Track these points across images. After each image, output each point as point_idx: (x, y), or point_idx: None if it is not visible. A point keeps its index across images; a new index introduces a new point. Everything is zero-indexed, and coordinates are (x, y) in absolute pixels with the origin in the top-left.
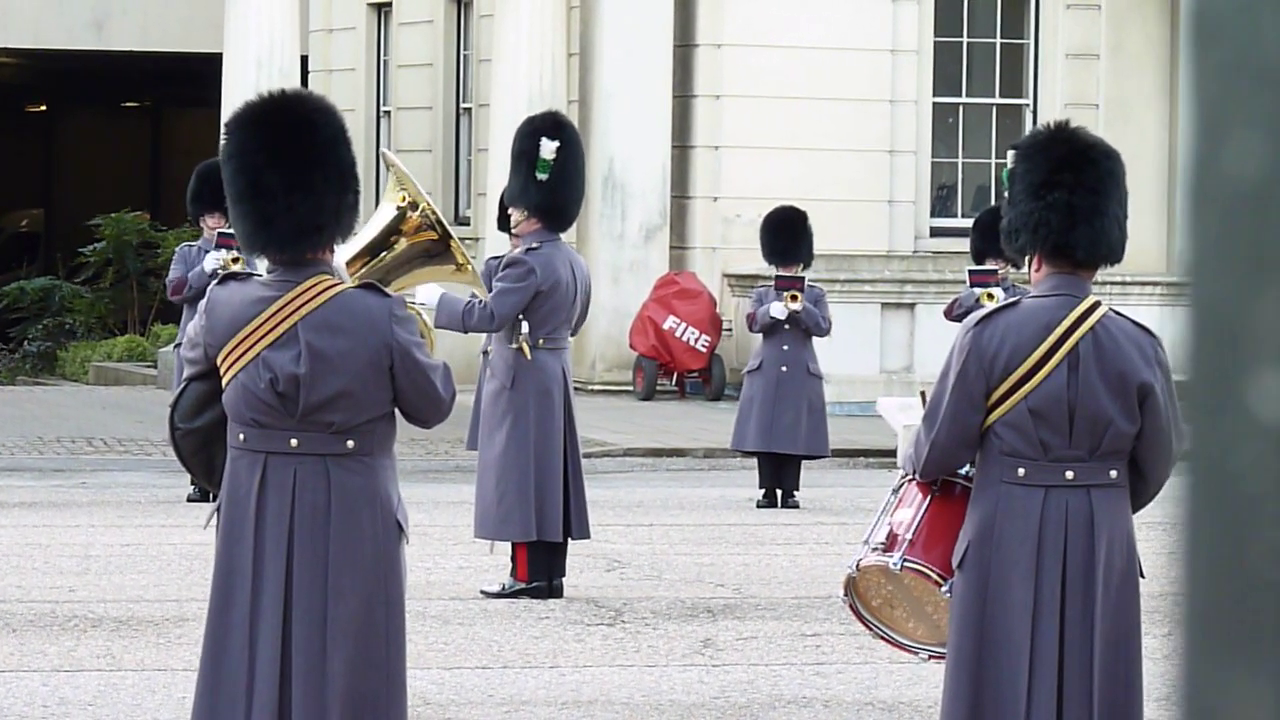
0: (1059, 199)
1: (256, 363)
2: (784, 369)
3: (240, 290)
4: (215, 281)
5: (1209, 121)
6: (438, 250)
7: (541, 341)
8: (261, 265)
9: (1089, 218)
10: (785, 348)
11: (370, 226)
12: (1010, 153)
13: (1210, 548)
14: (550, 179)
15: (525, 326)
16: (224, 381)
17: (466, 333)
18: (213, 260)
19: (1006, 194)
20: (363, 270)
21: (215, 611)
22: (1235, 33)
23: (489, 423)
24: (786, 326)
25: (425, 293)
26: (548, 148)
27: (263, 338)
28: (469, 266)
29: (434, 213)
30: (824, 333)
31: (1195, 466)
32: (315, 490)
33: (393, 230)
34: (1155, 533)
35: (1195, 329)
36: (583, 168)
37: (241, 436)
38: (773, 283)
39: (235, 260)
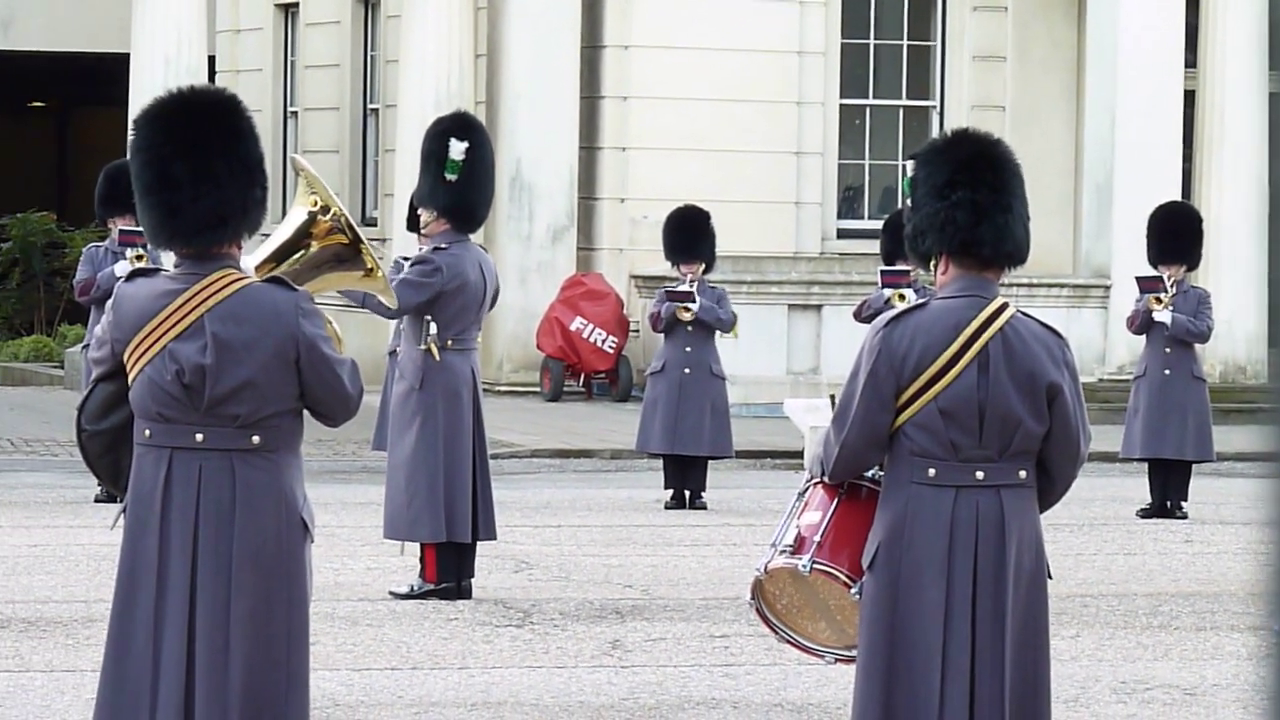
0: (963, 197)
1: (163, 355)
2: (687, 371)
3: (147, 285)
4: (123, 278)
5: None
6: (348, 255)
7: (450, 342)
8: (168, 261)
9: (992, 215)
10: (688, 349)
11: (280, 230)
12: (909, 162)
13: None
14: (459, 180)
15: (433, 328)
16: (131, 377)
17: (364, 307)
18: (123, 267)
19: (909, 201)
20: (272, 272)
21: (119, 608)
22: None
23: (398, 424)
24: (689, 328)
25: None
26: (456, 149)
27: (169, 330)
28: (379, 272)
29: (345, 216)
30: (727, 327)
31: None
32: (220, 486)
33: (303, 233)
34: (1062, 534)
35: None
36: (492, 169)
37: (147, 432)
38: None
39: (140, 258)
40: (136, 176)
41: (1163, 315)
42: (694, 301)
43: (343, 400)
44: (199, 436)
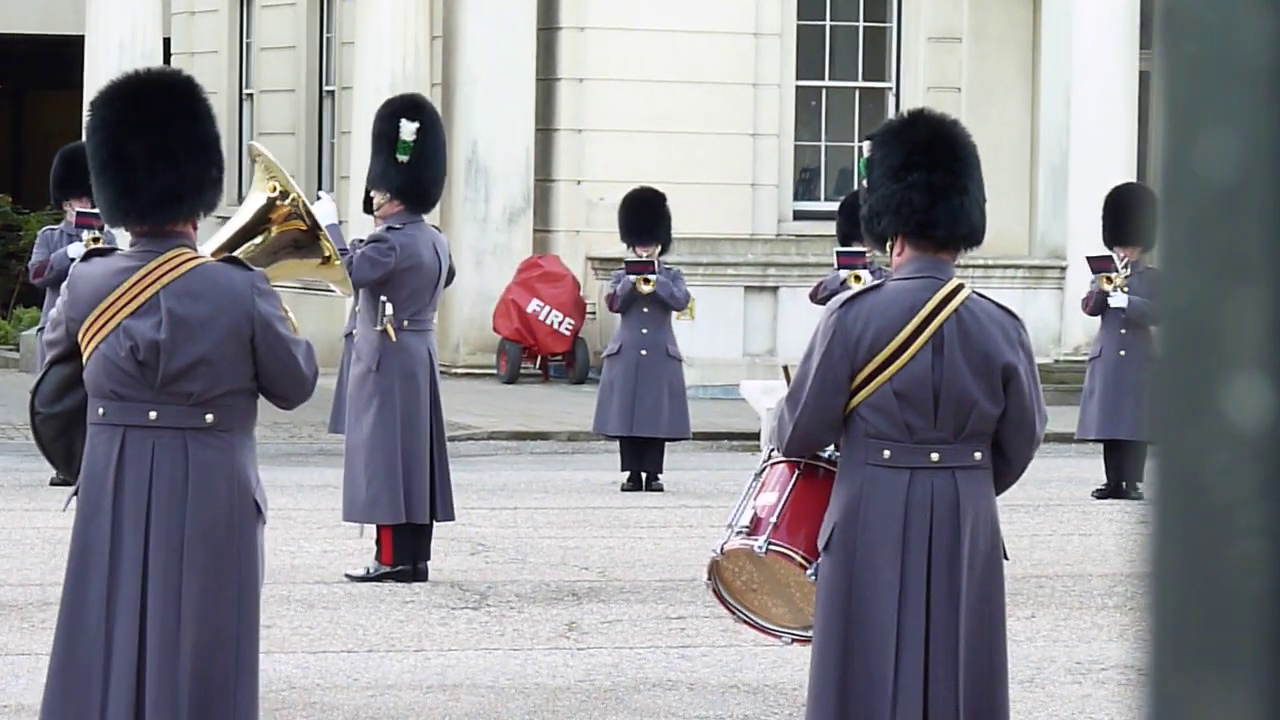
0: (919, 179)
1: (117, 332)
2: (643, 352)
3: (102, 264)
4: (79, 258)
5: (1179, 119)
6: (305, 241)
7: (406, 323)
8: (123, 242)
9: (948, 196)
10: (644, 331)
11: (239, 215)
12: (866, 143)
13: (1181, 559)
14: (410, 160)
15: (389, 308)
16: (85, 356)
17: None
18: (77, 249)
19: (865, 183)
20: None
21: (71, 587)
22: (1208, 26)
23: (355, 406)
24: (645, 309)
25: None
26: (407, 129)
27: (124, 307)
28: (336, 260)
29: (304, 203)
30: (680, 305)
31: (1165, 475)
32: (173, 465)
33: (261, 218)
34: (1018, 515)
35: (1167, 333)
36: (443, 149)
37: (101, 411)
38: (623, 268)
39: (96, 240)
40: (92, 155)
41: (1119, 300)
42: (654, 271)
43: (298, 381)
44: (152, 414)
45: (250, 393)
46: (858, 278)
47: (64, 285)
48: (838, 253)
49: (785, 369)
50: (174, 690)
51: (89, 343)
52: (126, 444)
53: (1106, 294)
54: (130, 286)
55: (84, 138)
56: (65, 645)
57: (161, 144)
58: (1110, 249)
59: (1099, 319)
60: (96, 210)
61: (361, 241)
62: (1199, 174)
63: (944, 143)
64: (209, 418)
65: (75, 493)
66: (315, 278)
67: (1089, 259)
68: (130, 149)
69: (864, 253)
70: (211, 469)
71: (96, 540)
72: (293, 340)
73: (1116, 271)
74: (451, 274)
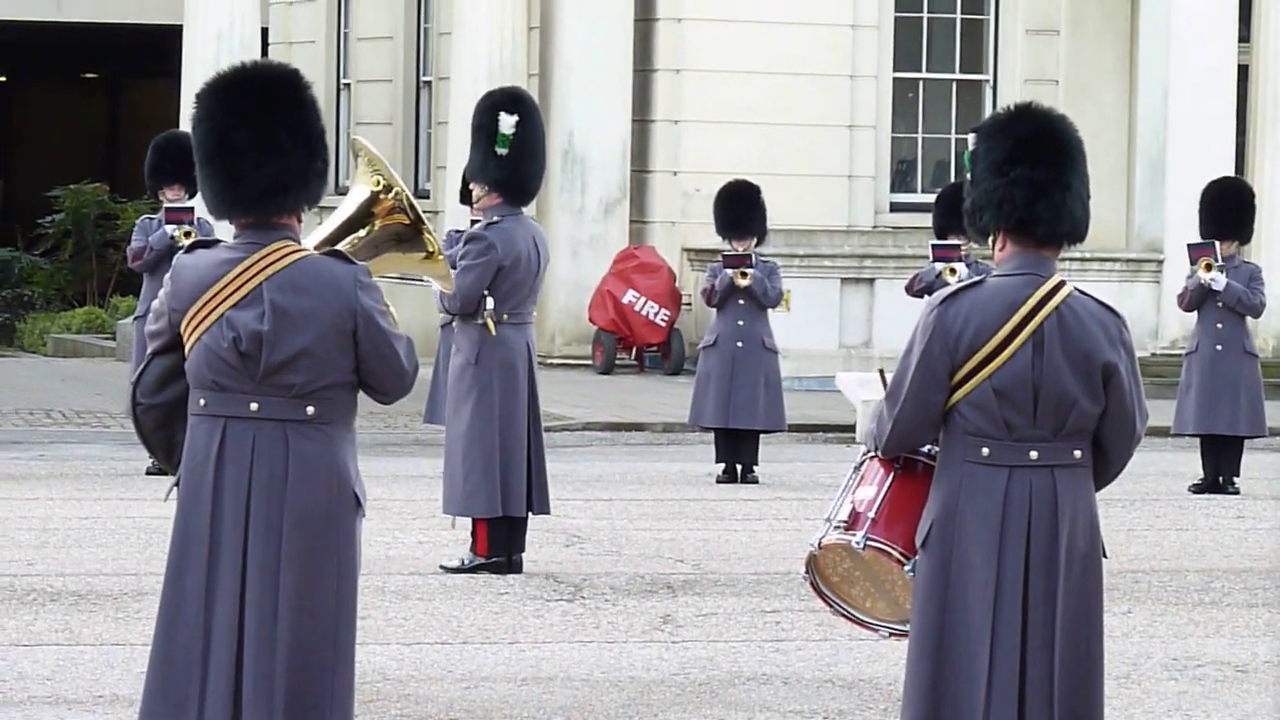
0: (1021, 174)
1: (220, 323)
2: (739, 344)
3: (206, 255)
4: (184, 250)
5: None
6: (408, 235)
7: (506, 316)
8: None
9: (1050, 192)
10: (740, 323)
11: (342, 208)
12: (972, 135)
13: None
14: (510, 154)
15: (490, 302)
16: (188, 347)
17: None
18: (172, 228)
19: (969, 175)
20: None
21: (171, 578)
22: None
23: (454, 398)
24: (741, 301)
25: None
26: (506, 122)
27: (227, 298)
28: (439, 255)
29: (408, 197)
30: (772, 303)
31: None
32: (274, 456)
33: (365, 212)
34: (1114, 509)
35: None
36: (543, 142)
37: (202, 402)
38: (720, 261)
39: (187, 235)
40: (198, 146)
41: (1217, 280)
42: (751, 265)
43: (398, 375)
44: (254, 406)
45: (351, 386)
46: (953, 270)
47: (167, 276)
48: (933, 246)
49: (881, 372)
50: (271, 682)
51: (191, 333)
52: (227, 435)
53: (1203, 281)
54: (234, 278)
55: (190, 129)
56: (164, 637)
57: (268, 135)
58: None
59: (1195, 313)
60: (186, 204)
61: (459, 232)
62: None
63: (1048, 137)
64: (310, 410)
65: (176, 483)
66: (418, 272)
67: (1190, 246)
68: (236, 139)
69: (959, 245)
70: (312, 461)
71: (196, 532)
72: (394, 335)
73: (1216, 259)
74: (546, 267)
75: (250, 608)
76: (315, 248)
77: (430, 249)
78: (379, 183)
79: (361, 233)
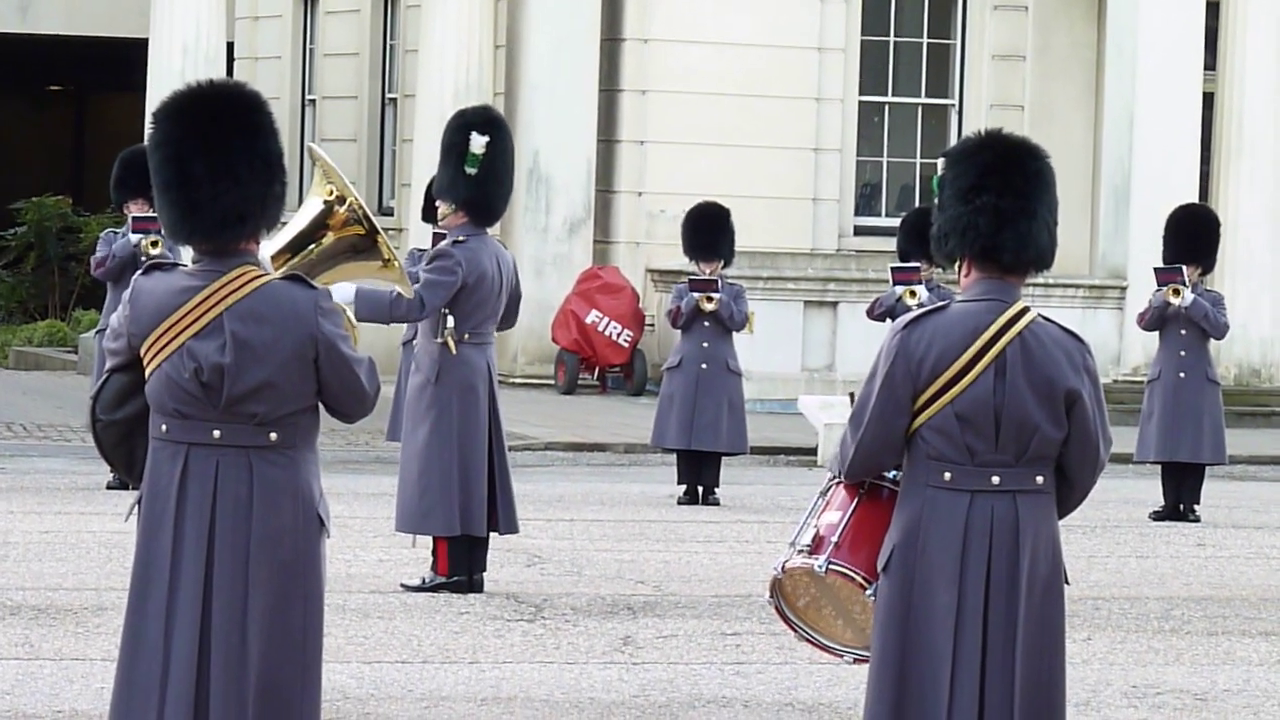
0: (986, 203)
1: (181, 352)
2: (704, 366)
3: (165, 280)
4: (140, 271)
5: None
6: (364, 245)
7: (467, 336)
8: (185, 254)
9: (1016, 221)
10: (705, 345)
11: (297, 220)
12: (940, 160)
13: None
14: (479, 174)
15: (450, 321)
16: (147, 372)
17: (391, 323)
18: (138, 237)
19: (936, 200)
20: (289, 264)
21: (133, 603)
22: None
23: (413, 417)
24: (706, 323)
25: (340, 291)
26: (477, 142)
27: (187, 327)
28: (395, 263)
29: (361, 208)
30: (738, 326)
31: None
32: (237, 482)
33: (319, 224)
34: (1075, 536)
35: None
36: (512, 164)
37: (164, 428)
38: (686, 284)
39: (155, 244)
40: (155, 172)
41: (1185, 296)
42: (717, 290)
43: (360, 399)
44: (216, 433)
45: (313, 409)
46: (913, 293)
47: (125, 294)
48: (892, 269)
49: (851, 395)
50: (241, 706)
51: (151, 360)
52: (190, 461)
53: (1169, 304)
54: (194, 307)
55: (147, 150)
56: (128, 659)
57: (225, 164)
58: None
59: (1157, 341)
60: (153, 215)
61: (421, 251)
62: None
63: (1016, 165)
64: (273, 436)
65: (138, 501)
66: (375, 279)
67: (1157, 270)
68: (193, 168)
69: (919, 268)
70: (276, 486)
71: (158, 556)
72: (355, 359)
73: (1184, 284)
74: (518, 294)
75: (216, 633)
76: (272, 259)
77: (386, 256)
78: (332, 193)
79: (316, 245)
